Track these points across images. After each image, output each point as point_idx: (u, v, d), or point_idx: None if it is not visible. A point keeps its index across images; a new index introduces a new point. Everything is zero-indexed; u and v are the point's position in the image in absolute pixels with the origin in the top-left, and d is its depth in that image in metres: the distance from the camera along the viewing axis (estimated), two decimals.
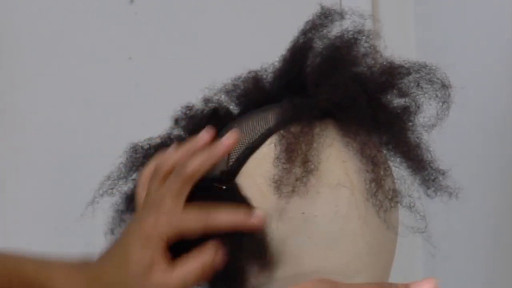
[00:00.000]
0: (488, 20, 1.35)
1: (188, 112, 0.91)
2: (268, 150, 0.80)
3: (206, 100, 0.89)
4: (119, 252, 0.80)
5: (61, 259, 0.86)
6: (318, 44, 0.86)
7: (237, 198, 0.79)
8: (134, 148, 0.88)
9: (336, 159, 0.79)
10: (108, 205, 0.89)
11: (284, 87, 0.86)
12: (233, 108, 0.89)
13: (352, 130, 0.80)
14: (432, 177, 0.83)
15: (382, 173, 0.80)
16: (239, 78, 0.89)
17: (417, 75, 0.82)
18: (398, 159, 0.83)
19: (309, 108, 0.80)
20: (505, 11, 1.30)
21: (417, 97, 0.82)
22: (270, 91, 0.87)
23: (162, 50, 1.50)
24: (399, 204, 0.83)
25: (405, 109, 0.82)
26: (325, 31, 0.86)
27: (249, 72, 0.89)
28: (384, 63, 0.83)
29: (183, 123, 0.91)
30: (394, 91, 0.82)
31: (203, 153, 0.80)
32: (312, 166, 0.77)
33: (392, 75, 0.82)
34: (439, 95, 0.82)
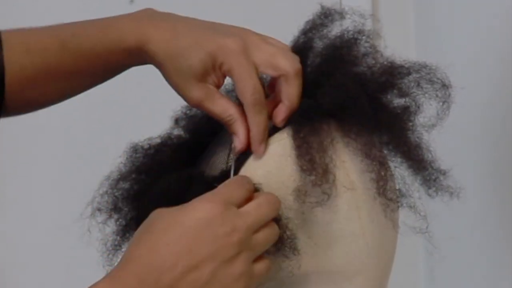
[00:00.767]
0: (488, 20, 1.35)
1: (188, 112, 0.91)
2: (270, 150, 0.80)
3: None
4: None
5: None
6: (318, 44, 0.86)
7: None
8: (134, 148, 0.88)
9: (335, 159, 0.79)
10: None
11: None
12: None
13: (354, 130, 0.79)
14: (433, 177, 0.83)
15: (388, 173, 0.79)
16: None
17: (418, 75, 0.82)
18: (398, 159, 0.83)
19: (313, 109, 0.80)
20: (505, 11, 1.30)
21: (417, 97, 0.82)
22: None
23: None
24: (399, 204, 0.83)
25: (406, 109, 0.82)
26: (325, 31, 0.86)
27: None
28: (385, 63, 0.83)
29: (183, 123, 0.91)
30: (395, 91, 0.82)
31: None
32: (316, 167, 0.77)
33: (392, 75, 0.82)
34: (440, 95, 0.82)
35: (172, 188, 0.78)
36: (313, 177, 0.76)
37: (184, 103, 0.88)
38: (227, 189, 0.75)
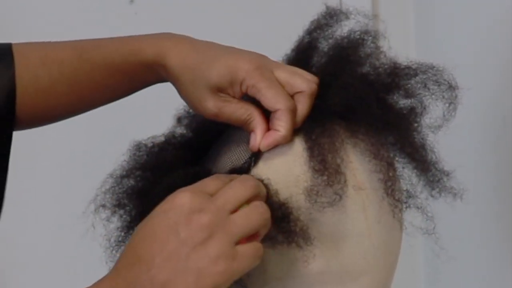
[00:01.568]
0: (488, 20, 1.35)
1: (190, 110, 0.90)
2: (279, 151, 0.80)
3: None
4: None
5: None
6: (323, 44, 0.86)
7: None
8: (138, 146, 0.88)
9: (345, 159, 0.79)
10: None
11: None
12: None
13: (362, 131, 0.80)
14: (437, 178, 0.83)
15: (395, 173, 0.79)
16: None
17: (424, 76, 0.82)
18: (403, 160, 0.83)
19: (323, 110, 0.80)
20: (505, 11, 1.30)
21: (424, 98, 0.82)
22: None
23: None
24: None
25: (412, 110, 0.82)
26: (330, 31, 0.86)
27: None
28: (391, 64, 0.83)
29: (186, 121, 0.91)
30: (401, 92, 0.82)
31: None
32: (328, 167, 0.77)
33: (399, 76, 0.82)
34: (446, 96, 0.82)
35: (178, 185, 0.78)
36: (325, 178, 0.77)
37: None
38: (203, 181, 0.75)
